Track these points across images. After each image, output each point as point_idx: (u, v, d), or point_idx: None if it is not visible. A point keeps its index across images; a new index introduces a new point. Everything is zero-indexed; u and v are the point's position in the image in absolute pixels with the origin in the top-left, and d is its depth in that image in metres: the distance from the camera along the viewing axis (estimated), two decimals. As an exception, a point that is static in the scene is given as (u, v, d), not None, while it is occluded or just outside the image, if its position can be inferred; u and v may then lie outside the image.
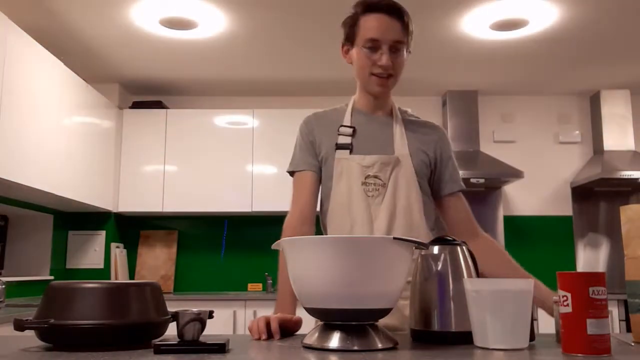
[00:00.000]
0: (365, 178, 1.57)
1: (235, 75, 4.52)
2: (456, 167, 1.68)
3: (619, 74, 4.49)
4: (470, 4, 3.33)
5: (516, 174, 4.44)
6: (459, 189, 1.67)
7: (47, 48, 3.55)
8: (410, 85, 4.71)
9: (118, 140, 4.56)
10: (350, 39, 1.61)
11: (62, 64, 3.64)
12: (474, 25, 3.60)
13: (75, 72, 3.90)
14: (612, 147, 4.70)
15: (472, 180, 4.41)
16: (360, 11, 1.57)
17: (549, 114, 5.02)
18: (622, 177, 4.37)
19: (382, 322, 1.46)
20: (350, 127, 1.63)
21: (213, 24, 3.57)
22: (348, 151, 1.59)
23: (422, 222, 1.58)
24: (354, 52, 1.60)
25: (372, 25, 1.54)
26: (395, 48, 1.55)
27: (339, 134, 1.62)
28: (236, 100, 4.98)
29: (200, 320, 1.04)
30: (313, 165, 1.64)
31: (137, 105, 4.69)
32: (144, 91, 4.89)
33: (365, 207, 1.56)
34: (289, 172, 1.67)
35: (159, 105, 4.68)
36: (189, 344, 1.03)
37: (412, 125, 1.67)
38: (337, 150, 1.60)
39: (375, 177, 1.57)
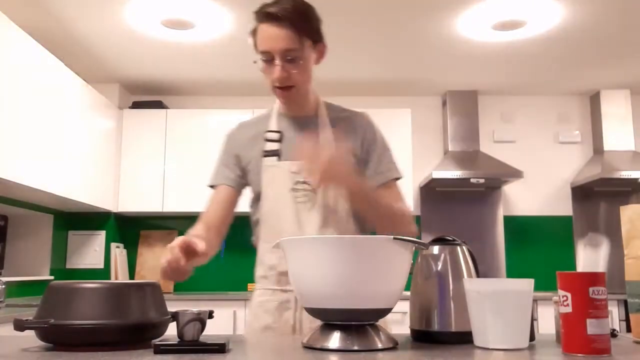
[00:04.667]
0: (295, 184, 1.53)
1: (235, 75, 4.52)
2: (383, 157, 1.60)
3: (619, 74, 4.48)
4: (471, 4, 3.33)
5: (516, 174, 4.44)
6: (384, 180, 1.58)
7: (47, 48, 3.55)
8: (410, 85, 4.71)
9: (118, 140, 4.56)
10: (255, 48, 1.52)
11: (62, 64, 3.64)
12: (474, 26, 3.60)
13: (75, 72, 3.90)
14: (612, 147, 4.70)
15: (472, 180, 4.41)
16: (255, 20, 1.49)
17: (549, 114, 5.02)
18: (622, 177, 4.37)
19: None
20: (276, 132, 1.59)
21: (213, 24, 3.57)
22: (276, 158, 1.56)
23: (352, 226, 1.54)
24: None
25: (262, 36, 1.47)
26: (289, 57, 1.46)
27: (266, 141, 1.59)
28: (236, 100, 4.98)
29: (200, 320, 1.05)
30: (230, 179, 1.62)
31: (137, 105, 4.69)
32: (144, 91, 4.89)
33: (294, 213, 1.53)
34: (208, 186, 1.66)
35: (159, 105, 4.68)
36: (189, 344, 1.03)
37: (338, 122, 1.60)
38: (265, 158, 1.57)
39: (305, 182, 1.53)
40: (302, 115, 1.61)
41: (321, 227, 1.51)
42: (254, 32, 1.51)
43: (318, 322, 1.43)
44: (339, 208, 1.54)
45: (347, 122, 1.61)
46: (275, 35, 1.44)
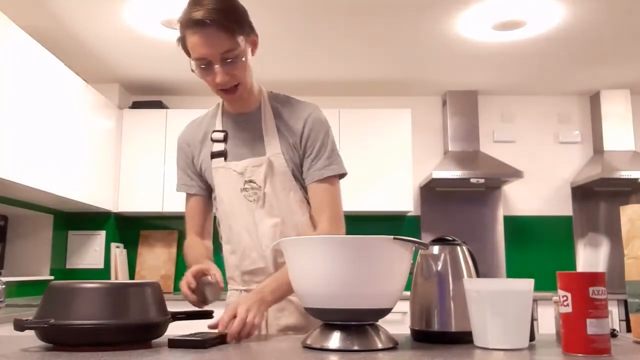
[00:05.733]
0: (244, 184, 1.53)
1: (235, 75, 4.52)
2: (322, 152, 1.53)
3: (619, 74, 4.48)
4: (471, 4, 3.33)
5: (516, 174, 4.44)
6: (319, 177, 1.52)
7: (47, 48, 3.55)
8: (410, 85, 4.71)
9: (118, 140, 4.56)
10: (189, 55, 1.48)
11: (62, 64, 3.64)
12: (474, 26, 3.60)
13: (75, 72, 3.90)
14: (612, 147, 4.70)
15: (472, 180, 4.41)
16: (183, 27, 1.45)
17: (549, 114, 5.02)
18: (622, 177, 4.37)
19: (283, 323, 1.51)
20: (221, 131, 1.58)
21: (213, 24, 3.56)
22: (223, 158, 1.55)
23: (305, 219, 1.53)
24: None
25: (194, 43, 1.42)
26: (228, 59, 1.41)
27: (212, 141, 1.57)
28: (236, 100, 4.98)
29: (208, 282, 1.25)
30: (192, 187, 1.65)
31: (137, 105, 4.69)
32: (144, 91, 4.89)
33: (248, 212, 1.53)
34: (177, 191, 1.69)
35: (159, 105, 4.68)
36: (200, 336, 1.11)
37: (281, 114, 1.55)
38: (212, 160, 1.57)
39: (251, 181, 1.52)
40: (246, 111, 1.58)
41: (274, 224, 1.51)
42: (182, 40, 1.46)
43: (283, 319, 1.51)
44: (287, 202, 1.52)
45: (290, 111, 1.56)
46: (208, 41, 1.39)
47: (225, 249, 1.61)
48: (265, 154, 1.52)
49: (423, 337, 1.19)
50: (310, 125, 1.54)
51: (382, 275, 1.07)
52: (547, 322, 3.87)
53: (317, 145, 1.53)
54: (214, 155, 1.57)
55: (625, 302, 3.88)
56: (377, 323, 1.14)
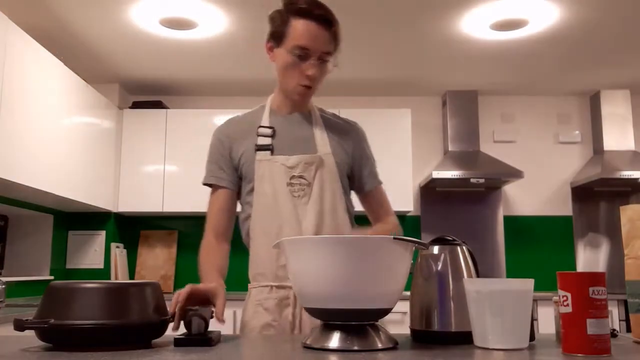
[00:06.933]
0: (290, 179, 1.55)
1: (235, 75, 4.52)
2: (373, 162, 1.70)
3: (619, 74, 4.48)
4: (470, 4, 3.33)
5: (516, 174, 4.44)
6: (377, 184, 1.69)
7: (47, 48, 3.55)
8: (410, 85, 4.71)
9: (118, 140, 4.56)
10: (277, 38, 1.54)
11: (62, 64, 3.64)
12: (474, 25, 3.60)
13: (75, 72, 3.90)
14: (612, 147, 4.70)
15: (472, 180, 4.41)
16: (291, 13, 1.51)
17: (549, 114, 5.02)
18: (622, 177, 4.37)
19: (317, 321, 1.49)
20: (269, 127, 1.60)
21: (213, 24, 3.57)
22: (269, 152, 1.57)
23: (346, 219, 1.60)
24: (279, 52, 1.55)
25: (303, 32, 1.49)
26: (323, 59, 1.52)
27: (258, 136, 1.60)
28: (236, 100, 4.98)
29: (199, 315, 1.11)
30: (223, 179, 1.62)
31: (137, 105, 4.69)
32: (144, 91, 4.89)
33: (292, 207, 1.54)
34: (203, 184, 1.67)
35: (159, 105, 4.68)
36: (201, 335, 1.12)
37: (330, 123, 1.66)
38: (257, 152, 1.58)
39: (300, 177, 1.55)
40: (296, 113, 1.64)
41: (317, 221, 1.54)
42: (281, 22, 1.52)
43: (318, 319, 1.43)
44: (333, 200, 1.56)
45: (340, 128, 1.66)
46: (318, 35, 1.49)
47: (259, 243, 1.58)
48: (316, 152, 1.58)
49: (423, 337, 1.19)
50: (361, 136, 1.70)
51: (382, 275, 1.07)
52: (547, 322, 3.87)
53: (371, 160, 1.70)
54: (260, 148, 1.58)
55: (625, 302, 3.88)
56: (377, 323, 1.14)
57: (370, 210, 1.70)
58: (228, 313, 3.98)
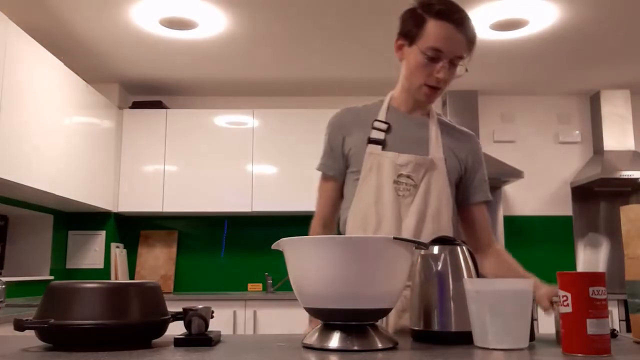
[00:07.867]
0: (398, 177, 1.53)
1: (235, 75, 4.52)
2: (485, 177, 1.65)
3: (619, 74, 4.48)
4: (470, 4, 3.33)
5: (516, 174, 4.44)
6: (485, 199, 1.64)
7: (47, 48, 3.55)
8: (410, 85, 4.71)
9: (118, 140, 4.56)
10: (409, 37, 1.55)
11: (62, 64, 3.64)
12: (474, 25, 3.60)
13: (75, 72, 3.90)
14: (612, 147, 4.70)
15: (472, 180, 4.40)
16: (428, 14, 1.51)
17: (549, 114, 5.02)
18: (622, 177, 4.37)
19: (402, 323, 1.46)
20: (385, 122, 1.59)
21: (213, 24, 3.57)
22: (380, 147, 1.56)
23: (449, 228, 1.55)
24: (410, 52, 1.55)
25: (439, 34, 1.49)
26: (454, 63, 1.52)
27: (372, 129, 1.58)
28: (236, 100, 4.98)
29: (199, 315, 1.11)
30: (336, 170, 1.62)
31: (137, 105, 4.69)
32: (144, 91, 4.89)
33: (394, 205, 1.52)
34: (317, 169, 1.67)
35: (159, 105, 4.68)
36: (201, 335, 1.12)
37: (447, 128, 1.64)
38: (368, 145, 1.56)
39: (408, 177, 1.53)
40: (415, 113, 1.63)
41: (418, 222, 1.51)
42: (417, 22, 1.53)
43: (402, 321, 1.47)
44: (438, 206, 1.54)
45: (456, 136, 1.64)
46: (454, 38, 1.50)
47: (356, 234, 1.57)
48: (428, 155, 1.56)
49: (423, 337, 1.19)
50: (476, 147, 1.66)
51: (382, 275, 1.07)
52: (547, 322, 3.86)
53: (482, 168, 1.65)
54: (372, 141, 1.57)
55: (625, 302, 3.88)
56: (377, 323, 1.14)
57: (469, 226, 1.64)
58: (228, 313, 3.98)
